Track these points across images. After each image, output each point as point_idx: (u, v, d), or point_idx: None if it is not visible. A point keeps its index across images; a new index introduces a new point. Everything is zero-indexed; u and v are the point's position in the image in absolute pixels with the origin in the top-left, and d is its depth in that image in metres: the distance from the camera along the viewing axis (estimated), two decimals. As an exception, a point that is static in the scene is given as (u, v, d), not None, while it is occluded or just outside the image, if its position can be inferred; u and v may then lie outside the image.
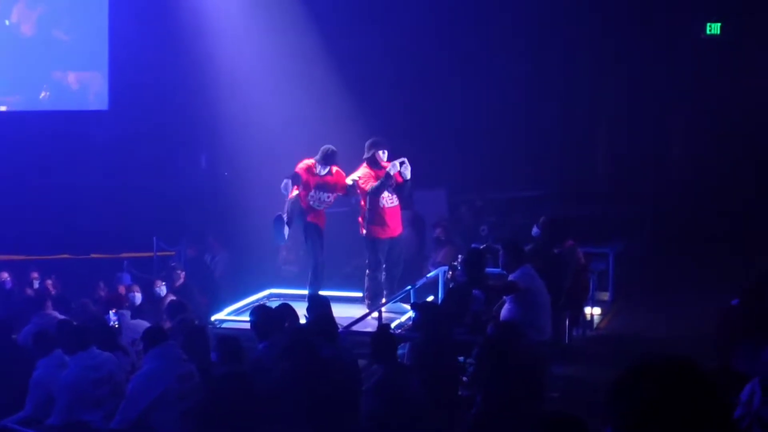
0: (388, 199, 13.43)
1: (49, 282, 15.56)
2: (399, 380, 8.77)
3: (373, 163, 13.36)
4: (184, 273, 15.97)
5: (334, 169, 13.44)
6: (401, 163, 13.19)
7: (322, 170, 13.33)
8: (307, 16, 20.38)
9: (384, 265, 13.55)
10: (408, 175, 13.25)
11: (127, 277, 16.21)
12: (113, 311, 12.35)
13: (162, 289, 14.63)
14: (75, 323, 10.83)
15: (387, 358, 8.96)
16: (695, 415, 3.14)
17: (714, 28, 19.95)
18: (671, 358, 3.27)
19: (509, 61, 21.73)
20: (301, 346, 9.06)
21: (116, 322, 12.00)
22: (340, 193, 13.52)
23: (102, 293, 15.42)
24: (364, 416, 8.74)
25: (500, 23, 21.17)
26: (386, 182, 13.17)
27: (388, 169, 13.16)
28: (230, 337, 9.59)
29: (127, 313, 12.55)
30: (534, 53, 21.87)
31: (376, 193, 13.19)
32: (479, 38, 21.39)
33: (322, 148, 13.41)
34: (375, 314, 12.52)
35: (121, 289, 15.04)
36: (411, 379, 8.98)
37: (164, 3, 18.72)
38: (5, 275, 15.84)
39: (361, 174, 13.38)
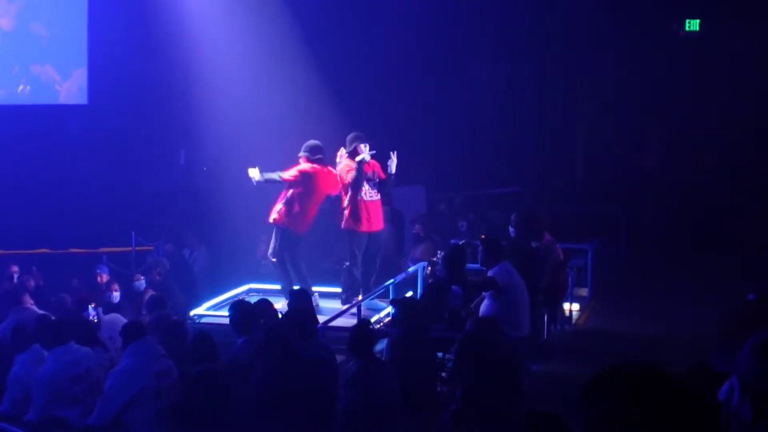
0: (368, 193, 13.46)
1: (26, 276, 15.47)
2: (375, 374, 8.78)
3: (355, 155, 13.38)
4: (165, 261, 15.97)
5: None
6: (389, 159, 13.24)
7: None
8: (287, 14, 20.38)
9: (360, 260, 13.59)
10: (393, 169, 13.28)
11: (105, 269, 16.14)
12: (92, 306, 12.29)
13: (141, 283, 14.60)
14: (53, 318, 10.80)
15: (364, 352, 8.96)
16: (666, 422, 3.14)
17: (693, 25, 19.99)
18: (640, 364, 3.27)
19: (487, 60, 21.80)
20: (275, 343, 9.04)
21: (95, 317, 11.97)
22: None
23: (75, 286, 15.40)
24: (341, 410, 8.75)
25: (479, 24, 21.25)
26: (361, 170, 13.20)
27: (359, 158, 13.19)
28: (205, 334, 9.57)
29: (99, 309, 12.46)
30: (512, 52, 21.95)
31: (355, 185, 13.23)
32: (458, 37, 21.45)
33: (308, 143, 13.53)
34: (354, 310, 12.52)
35: (102, 278, 15.02)
36: (387, 373, 8.99)
37: (144, -2, 18.71)
38: (15, 269, 15.74)
39: (342, 167, 13.41)
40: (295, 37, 20.40)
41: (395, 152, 13.34)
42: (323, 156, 13.58)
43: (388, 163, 13.32)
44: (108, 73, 19.94)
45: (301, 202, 13.50)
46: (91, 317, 11.82)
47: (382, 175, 13.51)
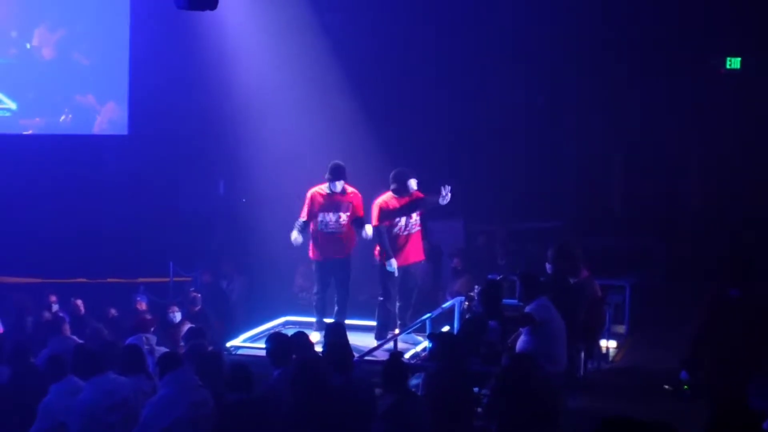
0: (403, 227, 13.48)
1: (79, 302, 15.54)
2: (409, 408, 8.76)
3: (401, 192, 13.43)
4: (200, 297, 16.01)
5: (349, 189, 13.57)
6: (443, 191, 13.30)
7: (332, 187, 13.45)
8: (329, 44, 20.47)
9: (397, 295, 13.62)
10: (446, 201, 13.34)
11: (144, 298, 16.21)
12: (150, 332, 12.32)
13: (176, 315, 14.62)
14: (90, 347, 10.83)
15: (398, 386, 8.95)
16: None
17: (734, 63, 19.90)
18: (649, 422, 3.25)
19: (525, 92, 21.77)
20: (309, 377, 9.05)
21: (147, 346, 11.95)
22: (354, 215, 13.61)
23: (113, 316, 15.46)
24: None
25: (518, 53, 21.21)
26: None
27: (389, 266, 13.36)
28: (241, 365, 9.60)
29: (154, 338, 12.49)
30: (550, 85, 21.90)
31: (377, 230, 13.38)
32: (496, 70, 21.44)
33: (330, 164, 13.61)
34: (390, 344, 12.51)
35: (141, 306, 15.08)
36: (421, 408, 8.97)
37: (185, 28, 18.75)
38: (54, 298, 15.83)
39: (380, 201, 13.45)
40: (335, 68, 20.48)
41: (447, 186, 13.38)
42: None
43: (443, 194, 13.36)
44: (148, 104, 20.04)
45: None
46: (144, 346, 11.76)
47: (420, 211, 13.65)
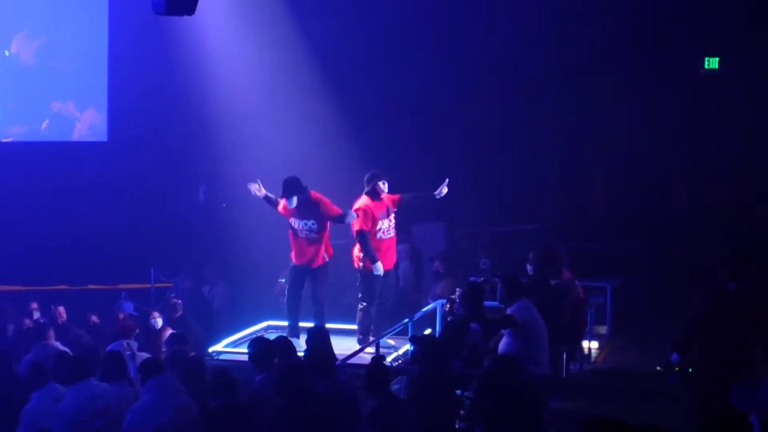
0: (386, 231, 13.52)
1: (61, 308, 15.48)
2: (392, 412, 8.79)
3: (374, 194, 13.44)
4: (181, 303, 15.99)
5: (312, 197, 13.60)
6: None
7: (289, 203, 13.48)
8: (309, 50, 20.49)
9: (378, 299, 13.64)
10: (442, 193, 13.80)
11: (129, 305, 16.17)
12: (125, 341, 12.30)
13: (158, 321, 14.61)
14: (72, 354, 10.81)
15: (381, 389, 8.97)
16: None
17: (713, 63, 20.01)
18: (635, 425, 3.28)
19: (507, 94, 21.80)
20: (292, 381, 9.06)
21: (129, 351, 11.93)
22: (330, 219, 13.58)
23: (94, 322, 15.42)
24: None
25: (498, 58, 21.25)
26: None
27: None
28: (224, 370, 9.58)
29: (135, 344, 12.46)
30: (532, 88, 21.95)
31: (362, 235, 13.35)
32: (478, 71, 21.48)
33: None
34: (371, 349, 12.53)
35: (122, 317, 15.05)
36: (405, 411, 8.99)
37: (164, 35, 18.73)
38: (35, 305, 15.80)
39: (361, 205, 13.45)
40: (315, 73, 20.50)
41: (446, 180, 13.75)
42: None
43: (439, 189, 13.64)
44: (128, 110, 20.00)
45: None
46: (126, 352, 11.73)
47: (393, 207, 13.75)
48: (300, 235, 13.60)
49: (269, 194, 13.81)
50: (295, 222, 13.57)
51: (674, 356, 10.33)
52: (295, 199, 13.45)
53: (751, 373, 10.02)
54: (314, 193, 13.62)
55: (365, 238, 13.41)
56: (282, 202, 13.63)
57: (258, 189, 13.76)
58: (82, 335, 13.91)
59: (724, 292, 10.34)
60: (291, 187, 13.49)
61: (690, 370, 10.28)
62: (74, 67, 20.14)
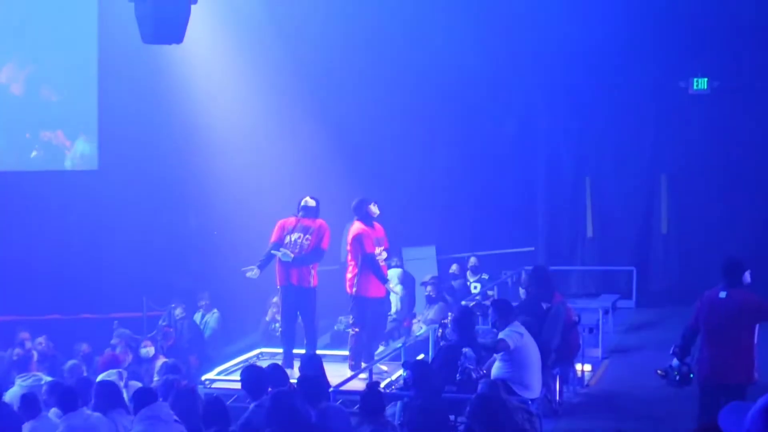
0: (380, 258, 13.53)
1: (29, 343, 15.44)
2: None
3: (367, 220, 13.44)
4: (173, 331, 16.00)
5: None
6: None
7: (301, 213, 13.59)
8: (297, 77, 20.57)
9: (370, 325, 13.64)
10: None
11: (124, 333, 16.15)
12: (117, 370, 12.28)
13: (149, 350, 14.60)
14: (65, 384, 10.80)
15: (375, 416, 8.97)
16: None
17: (701, 84, 20.15)
18: None
19: (496, 117, 21.91)
20: (284, 409, 9.05)
21: (122, 381, 11.91)
22: (319, 243, 13.60)
23: (85, 351, 15.39)
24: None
25: (486, 82, 21.36)
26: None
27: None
28: (216, 398, 9.60)
29: (125, 373, 12.45)
30: (520, 111, 22.06)
31: (372, 258, 13.30)
32: (466, 95, 21.57)
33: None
34: (364, 375, 12.52)
35: (119, 345, 15.03)
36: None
37: (153, 63, 18.80)
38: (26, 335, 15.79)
39: (358, 230, 13.46)
40: (304, 99, 20.58)
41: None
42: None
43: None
44: (118, 138, 20.03)
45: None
46: (121, 380, 11.70)
47: (386, 245, 13.67)
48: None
49: (263, 263, 13.79)
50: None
51: (674, 361, 10.59)
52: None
53: (746, 377, 10.36)
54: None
55: (373, 261, 13.41)
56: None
57: (256, 273, 13.74)
58: (77, 365, 13.85)
59: (715, 300, 10.51)
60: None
61: (691, 375, 10.55)
62: (64, 97, 20.16)
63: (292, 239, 13.52)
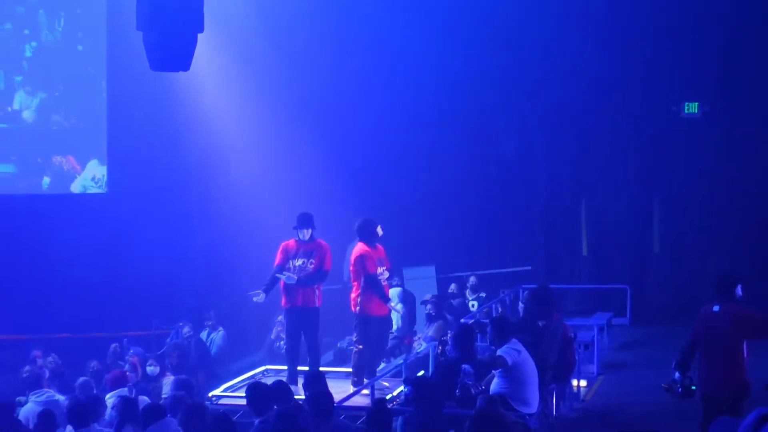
0: (382, 278, 13.72)
1: (41, 360, 15.63)
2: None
3: (370, 241, 13.70)
4: (181, 348, 16.21)
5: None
6: None
7: (300, 235, 13.76)
8: (303, 100, 20.82)
9: (372, 343, 13.85)
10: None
11: (138, 350, 16.36)
12: (125, 387, 12.52)
13: (156, 368, 14.82)
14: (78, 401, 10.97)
15: (382, 431, 9.16)
16: None
17: (692, 108, 20.38)
18: None
19: (495, 138, 22.17)
20: (289, 426, 9.20)
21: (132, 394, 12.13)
22: (321, 264, 13.87)
23: (95, 369, 15.57)
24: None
25: (486, 106, 21.62)
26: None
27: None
28: (223, 415, 9.69)
29: (133, 390, 12.65)
30: (519, 131, 22.32)
31: (374, 279, 13.58)
32: (466, 116, 21.82)
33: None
34: (366, 391, 12.73)
35: (134, 360, 15.23)
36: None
37: (161, 87, 19.06)
38: (38, 353, 15.99)
39: (360, 252, 13.70)
40: (308, 122, 20.83)
41: None
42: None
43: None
44: (127, 162, 20.27)
45: None
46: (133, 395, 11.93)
47: (388, 265, 13.92)
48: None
49: (268, 287, 14.05)
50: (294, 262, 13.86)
51: (676, 375, 10.92)
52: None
53: (740, 390, 10.68)
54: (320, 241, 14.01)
55: (376, 282, 13.63)
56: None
57: (262, 297, 14.00)
58: (89, 382, 14.01)
59: (709, 314, 10.86)
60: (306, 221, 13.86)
61: (693, 388, 10.90)
62: (74, 122, 20.34)
63: (296, 265, 13.74)
